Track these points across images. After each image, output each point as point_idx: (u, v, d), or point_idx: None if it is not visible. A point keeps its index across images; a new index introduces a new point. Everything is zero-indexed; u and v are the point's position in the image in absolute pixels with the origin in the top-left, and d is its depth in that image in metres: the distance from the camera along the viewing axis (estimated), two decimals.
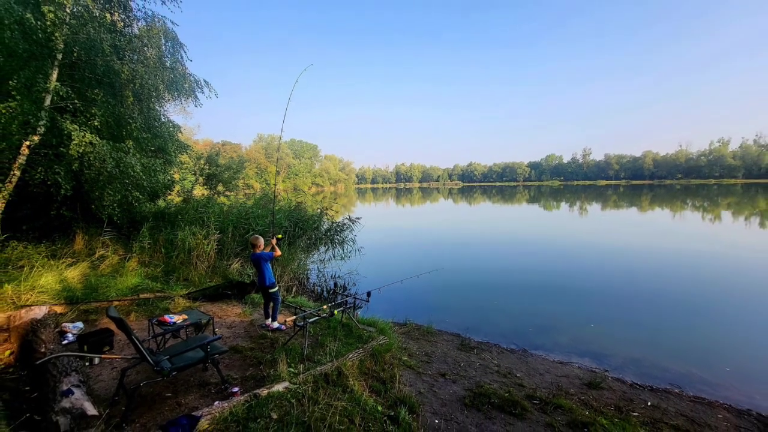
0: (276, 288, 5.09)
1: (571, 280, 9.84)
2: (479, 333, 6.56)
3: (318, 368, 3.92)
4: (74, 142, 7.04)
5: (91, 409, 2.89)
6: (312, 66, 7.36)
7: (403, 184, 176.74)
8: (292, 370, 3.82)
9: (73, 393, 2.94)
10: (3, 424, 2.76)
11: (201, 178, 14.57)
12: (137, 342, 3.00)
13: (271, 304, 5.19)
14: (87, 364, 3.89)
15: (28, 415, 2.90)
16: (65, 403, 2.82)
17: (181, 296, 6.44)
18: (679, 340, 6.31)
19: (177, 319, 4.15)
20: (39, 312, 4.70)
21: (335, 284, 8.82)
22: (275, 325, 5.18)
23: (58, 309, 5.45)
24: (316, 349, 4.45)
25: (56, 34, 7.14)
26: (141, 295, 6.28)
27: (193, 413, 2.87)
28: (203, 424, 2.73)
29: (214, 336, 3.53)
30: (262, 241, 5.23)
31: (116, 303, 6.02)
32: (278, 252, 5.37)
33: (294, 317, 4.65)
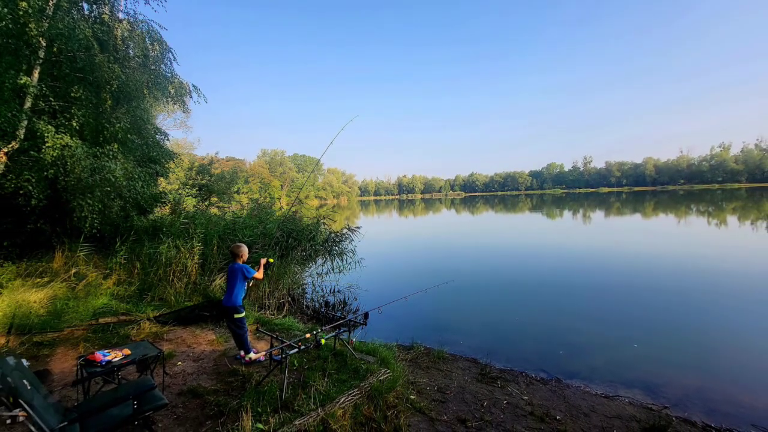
0: (242, 314, 4.12)
1: (607, 292, 8.66)
2: (500, 358, 5.50)
3: (296, 421, 2.93)
4: (48, 144, 6.19)
5: None
6: (358, 117, 8.24)
7: (406, 196, 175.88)
8: (260, 426, 2.83)
9: None
10: None
11: (193, 190, 13.77)
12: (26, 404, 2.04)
13: (236, 334, 4.22)
14: None
15: None
16: None
17: (149, 320, 5.50)
18: (754, 361, 5.21)
19: (114, 355, 3.18)
20: None
21: (326, 303, 7.76)
22: (251, 356, 4.18)
23: None
24: (299, 391, 3.45)
25: (31, 25, 6.37)
26: (100, 320, 5.33)
27: None
28: None
29: (145, 383, 2.55)
30: (245, 251, 4.36)
31: (68, 331, 5.08)
32: (260, 275, 4.43)
33: (269, 349, 3.66)
